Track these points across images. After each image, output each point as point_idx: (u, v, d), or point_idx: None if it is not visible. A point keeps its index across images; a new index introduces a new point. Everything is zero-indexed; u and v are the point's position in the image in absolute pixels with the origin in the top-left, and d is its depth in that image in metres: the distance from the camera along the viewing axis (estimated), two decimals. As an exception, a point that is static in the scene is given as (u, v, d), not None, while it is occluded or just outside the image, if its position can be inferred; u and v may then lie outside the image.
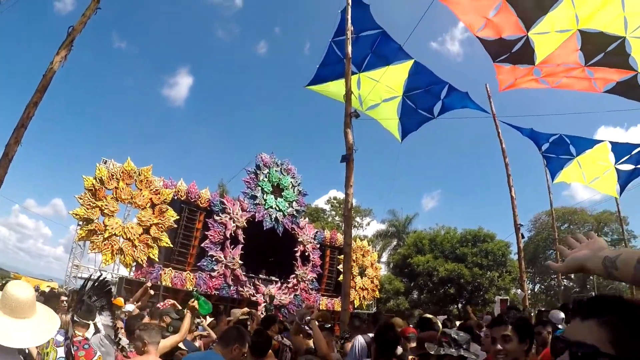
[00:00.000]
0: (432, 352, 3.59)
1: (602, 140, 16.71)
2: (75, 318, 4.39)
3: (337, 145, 13.60)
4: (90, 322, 4.54)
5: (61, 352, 4.12)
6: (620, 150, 16.62)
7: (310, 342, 5.42)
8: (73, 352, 4.07)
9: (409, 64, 15.65)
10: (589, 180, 18.04)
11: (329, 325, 6.28)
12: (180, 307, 8.84)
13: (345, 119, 13.26)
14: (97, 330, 4.79)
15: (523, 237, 17.14)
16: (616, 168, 17.16)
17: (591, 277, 42.42)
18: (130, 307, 9.26)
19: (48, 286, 21.51)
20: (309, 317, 5.30)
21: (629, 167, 17.00)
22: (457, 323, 13.94)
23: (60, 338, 4.22)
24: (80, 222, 18.16)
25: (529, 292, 27.80)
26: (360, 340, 5.71)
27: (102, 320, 4.83)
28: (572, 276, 48.67)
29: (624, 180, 17.60)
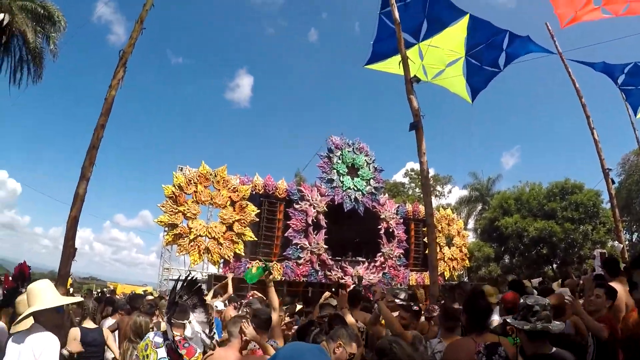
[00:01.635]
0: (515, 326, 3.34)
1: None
2: (171, 320, 4.55)
3: (406, 116, 13.43)
4: (186, 322, 4.72)
5: (162, 352, 4.31)
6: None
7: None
8: (176, 352, 4.24)
9: (464, 20, 15.20)
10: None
11: (416, 308, 5.85)
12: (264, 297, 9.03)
13: (406, 85, 13.07)
14: (193, 328, 4.96)
15: (613, 182, 16.20)
16: (467, 59, 15.97)
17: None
18: (219, 304, 9.53)
19: (144, 290, 22.51)
20: (376, 298, 5.18)
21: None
22: (554, 285, 13.44)
23: (159, 340, 4.44)
24: (166, 228, 19.05)
25: (627, 242, 26.30)
26: None
27: (196, 317, 5.04)
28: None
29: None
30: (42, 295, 3.58)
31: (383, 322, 5.37)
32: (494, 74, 16.36)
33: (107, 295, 20.63)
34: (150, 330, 5.99)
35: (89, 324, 6.72)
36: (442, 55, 16.15)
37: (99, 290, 25.64)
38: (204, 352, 4.95)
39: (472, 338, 3.69)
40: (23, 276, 5.62)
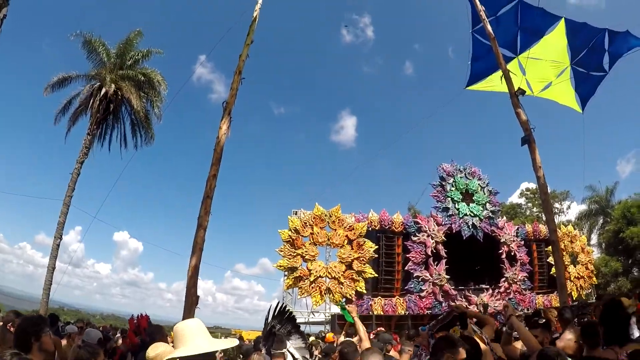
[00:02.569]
0: None
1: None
2: (270, 351, 4.65)
3: (514, 134, 13.23)
4: (285, 350, 4.74)
5: None
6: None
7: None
8: None
9: (561, 26, 14.92)
10: None
11: (543, 321, 5.83)
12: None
13: (512, 99, 12.92)
14: (292, 356, 4.99)
15: None
16: (573, 67, 14.87)
17: None
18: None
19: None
20: (508, 314, 4.93)
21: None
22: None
23: None
24: (286, 272, 19.63)
25: None
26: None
27: (293, 344, 5.07)
28: None
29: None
30: (192, 337, 2.78)
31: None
32: (602, 78, 15.84)
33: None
34: None
35: None
36: (546, 67, 15.81)
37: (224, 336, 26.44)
38: None
39: (613, 350, 3.54)
40: (144, 331, 5.71)
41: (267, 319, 5.19)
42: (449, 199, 22.98)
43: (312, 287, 19.29)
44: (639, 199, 38.59)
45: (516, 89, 13.20)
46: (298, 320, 19.93)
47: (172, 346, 3.09)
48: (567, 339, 5.19)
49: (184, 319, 11.21)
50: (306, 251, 19.54)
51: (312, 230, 19.91)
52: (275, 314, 5.30)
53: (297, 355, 5.14)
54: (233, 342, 4.63)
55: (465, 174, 23.92)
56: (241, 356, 8.45)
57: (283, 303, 5.79)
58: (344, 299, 19.02)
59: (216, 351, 3.02)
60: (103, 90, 24.68)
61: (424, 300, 21.33)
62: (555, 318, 10.36)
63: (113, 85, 24.89)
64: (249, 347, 7.44)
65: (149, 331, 5.90)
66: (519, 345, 4.88)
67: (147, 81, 26.66)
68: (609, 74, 15.72)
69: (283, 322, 5.31)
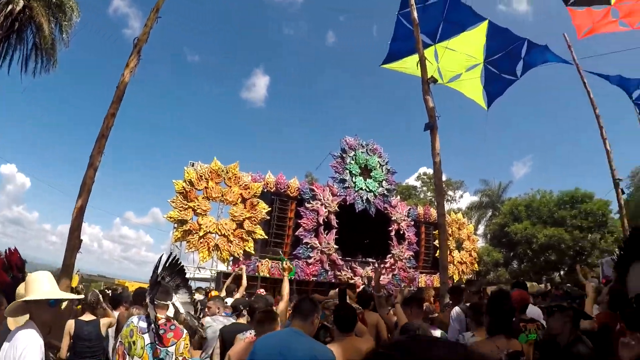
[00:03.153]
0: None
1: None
2: (154, 302, 4.46)
3: (421, 119, 13.56)
4: (169, 302, 4.63)
5: (148, 338, 4.19)
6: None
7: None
8: (161, 335, 4.18)
9: (483, 26, 15.35)
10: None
11: (410, 297, 5.91)
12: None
13: (423, 85, 13.16)
14: (176, 309, 4.99)
15: (623, 192, 16.28)
16: (486, 65, 16.06)
17: None
18: (230, 300, 9.54)
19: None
20: (395, 302, 5.23)
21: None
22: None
23: (143, 324, 4.30)
24: (176, 225, 19.08)
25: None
26: (456, 310, 5.72)
27: (179, 298, 5.11)
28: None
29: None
30: (38, 285, 3.30)
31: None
32: (511, 82, 16.49)
33: (120, 291, 20.49)
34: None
35: (87, 316, 6.34)
36: (460, 59, 16.24)
37: (106, 288, 25.71)
38: (192, 335, 5.08)
39: (496, 344, 3.66)
40: (15, 266, 5.49)
41: (156, 268, 4.97)
42: (347, 171, 23.23)
43: (201, 243, 18.97)
44: (527, 199, 41.00)
45: (429, 76, 13.47)
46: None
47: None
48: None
49: (64, 263, 10.78)
50: (198, 205, 19.14)
51: (207, 184, 19.50)
52: (167, 265, 5.16)
53: (181, 309, 5.04)
54: (76, 296, 4.61)
55: (367, 149, 24.23)
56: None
57: (176, 255, 5.62)
58: (282, 256, 18.88)
59: (60, 301, 3.51)
60: (10, 7, 22.99)
61: (310, 267, 21.57)
62: (431, 297, 10.76)
63: (22, 2, 23.21)
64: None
65: (21, 268, 5.61)
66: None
67: (59, 5, 25.10)
68: (519, 80, 16.38)
69: (173, 274, 5.23)
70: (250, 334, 4.57)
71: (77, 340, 5.98)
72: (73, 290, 13.70)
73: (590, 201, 36.81)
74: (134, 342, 4.17)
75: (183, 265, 5.64)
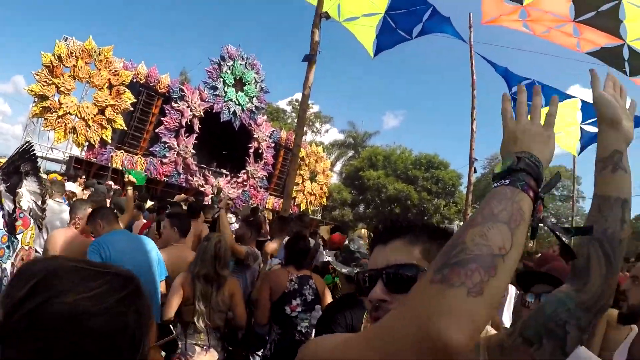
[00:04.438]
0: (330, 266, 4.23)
1: (575, 97, 16.91)
2: (1, 188, 4.28)
3: (307, 49, 13.72)
4: (19, 190, 4.49)
5: None
6: (589, 110, 16.97)
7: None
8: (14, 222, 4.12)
9: None
10: (552, 134, 18.67)
11: (251, 219, 6.51)
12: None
13: (314, 18, 13.47)
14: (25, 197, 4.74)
15: (476, 171, 17.58)
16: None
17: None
18: (71, 185, 9.55)
19: None
20: (221, 206, 5.53)
21: (593, 129, 17.48)
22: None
23: None
24: (36, 99, 18.17)
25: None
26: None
27: (26, 186, 4.85)
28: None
29: (586, 140, 18.11)
30: None
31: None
32: (404, 39, 17.03)
33: None
34: None
35: None
36: (362, 3, 16.64)
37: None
38: (38, 226, 5.24)
39: (287, 270, 4.31)
40: None
41: (12, 156, 4.68)
42: (222, 79, 23.25)
43: (59, 122, 18.21)
44: (387, 150, 43.04)
45: (324, 10, 13.71)
46: (37, 153, 19.16)
47: None
48: (272, 246, 5.98)
49: None
50: (63, 82, 18.22)
51: (76, 62, 18.57)
52: (20, 151, 4.75)
53: (28, 197, 5.02)
54: None
55: (246, 62, 24.32)
56: None
57: (30, 143, 5.52)
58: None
59: None
60: None
61: (164, 166, 21.74)
62: (264, 219, 11.32)
63: None
64: None
65: None
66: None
67: None
68: (411, 40, 17.06)
69: (24, 161, 4.81)
70: None
71: None
72: None
73: (444, 170, 39.66)
74: None
75: (35, 153, 5.57)
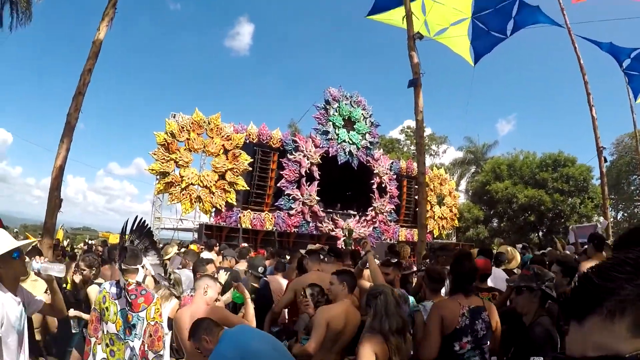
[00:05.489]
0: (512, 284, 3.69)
1: None
2: (122, 266, 4.34)
3: (406, 72, 13.53)
4: (139, 266, 4.51)
5: (119, 304, 4.13)
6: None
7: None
8: (131, 301, 4.09)
9: None
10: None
11: (395, 260, 6.14)
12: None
13: (408, 41, 13.22)
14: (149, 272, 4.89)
15: (606, 160, 16.46)
16: None
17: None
18: (207, 254, 9.50)
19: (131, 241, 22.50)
20: (366, 250, 5.21)
21: None
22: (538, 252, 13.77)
23: (115, 290, 4.23)
24: (158, 177, 19.21)
25: (612, 220, 26.94)
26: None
27: (149, 261, 4.93)
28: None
29: None
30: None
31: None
32: (500, 40, 16.54)
33: (86, 246, 20.12)
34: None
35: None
36: (447, 13, 16.25)
37: (89, 240, 25.55)
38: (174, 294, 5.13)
39: (457, 300, 3.83)
40: None
41: (123, 232, 4.82)
42: (331, 123, 23.34)
43: (183, 194, 19.09)
44: (509, 158, 41.47)
45: (415, 31, 13.49)
46: (167, 226, 19.83)
47: None
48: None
49: (46, 222, 10.92)
50: (180, 157, 19.17)
51: (189, 135, 19.48)
52: (134, 227, 4.92)
53: (153, 272, 5.03)
54: (33, 240, 4.47)
55: (350, 101, 24.30)
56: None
57: (142, 218, 5.52)
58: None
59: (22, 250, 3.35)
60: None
61: (292, 218, 21.92)
62: (408, 253, 10.92)
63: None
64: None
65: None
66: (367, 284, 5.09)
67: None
68: (508, 39, 16.43)
69: (141, 236, 5.00)
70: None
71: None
72: (58, 247, 13.77)
73: (573, 166, 37.29)
74: (107, 308, 4.14)
75: (150, 227, 5.38)
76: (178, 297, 5.33)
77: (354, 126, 24.31)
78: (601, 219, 17.20)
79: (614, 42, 16.50)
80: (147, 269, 4.77)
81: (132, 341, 3.95)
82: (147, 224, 5.38)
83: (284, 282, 6.56)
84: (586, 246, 7.20)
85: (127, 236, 4.79)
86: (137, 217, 5.28)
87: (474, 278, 4.01)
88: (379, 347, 3.39)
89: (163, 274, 5.11)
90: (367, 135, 24.78)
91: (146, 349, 3.98)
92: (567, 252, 9.90)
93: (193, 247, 11.91)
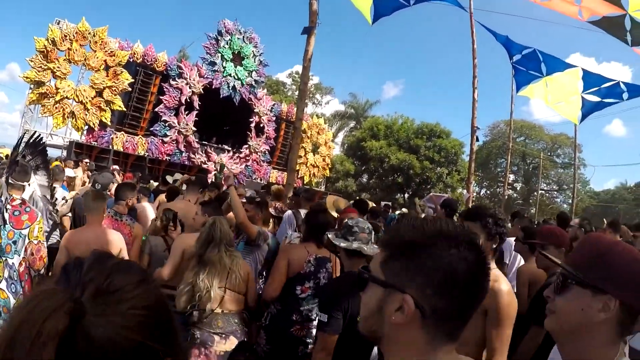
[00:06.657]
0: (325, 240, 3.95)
1: (576, 66, 16.86)
2: (10, 180, 4.12)
3: (305, 20, 13.56)
4: (26, 184, 4.33)
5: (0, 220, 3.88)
6: (590, 80, 16.88)
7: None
8: (15, 217, 3.89)
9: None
10: (553, 102, 18.65)
11: (258, 199, 6.31)
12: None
13: None
14: (34, 191, 4.74)
15: (478, 140, 17.54)
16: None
17: (535, 192, 45.46)
18: (70, 172, 9.52)
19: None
20: (228, 184, 5.26)
21: (595, 98, 17.51)
22: (403, 210, 14.96)
23: None
24: (32, 85, 18.14)
25: (474, 194, 29.29)
26: (288, 213, 6.22)
27: (37, 180, 4.82)
28: (518, 188, 52.31)
29: (588, 110, 18.20)
30: None
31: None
32: (402, 6, 16.86)
33: None
34: None
35: None
36: None
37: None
38: (53, 221, 5.10)
39: (306, 248, 4.10)
40: None
41: (17, 146, 4.66)
42: (219, 54, 23.12)
43: (56, 108, 18.22)
44: (389, 120, 43.14)
45: None
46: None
47: None
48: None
49: None
50: (58, 67, 18.11)
51: (71, 45, 18.40)
52: (29, 142, 4.82)
53: (38, 191, 4.79)
54: None
55: (243, 36, 24.19)
56: None
57: (40, 135, 5.28)
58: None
59: None
60: None
61: (165, 145, 21.77)
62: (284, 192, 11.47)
63: None
64: None
65: None
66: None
67: None
68: (410, 7, 16.85)
69: (34, 154, 4.90)
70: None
71: None
72: None
73: (447, 138, 39.93)
74: None
75: (45, 146, 5.30)
76: (55, 223, 5.21)
77: (242, 62, 24.22)
78: (464, 191, 18.49)
79: (509, 36, 17.62)
80: (34, 187, 4.67)
81: (12, 258, 3.80)
82: (44, 142, 5.31)
83: (150, 209, 6.87)
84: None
85: (18, 151, 4.67)
86: (34, 132, 5.23)
87: (325, 230, 4.00)
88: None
89: (49, 197, 5.01)
90: (253, 73, 24.83)
91: (27, 266, 3.89)
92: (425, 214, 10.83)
93: (59, 163, 11.76)
